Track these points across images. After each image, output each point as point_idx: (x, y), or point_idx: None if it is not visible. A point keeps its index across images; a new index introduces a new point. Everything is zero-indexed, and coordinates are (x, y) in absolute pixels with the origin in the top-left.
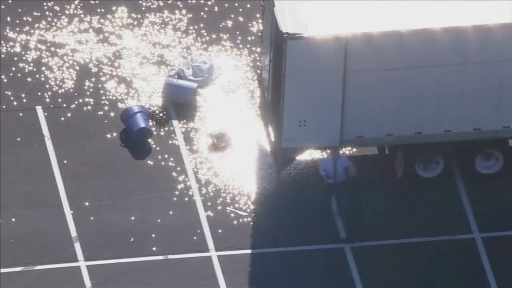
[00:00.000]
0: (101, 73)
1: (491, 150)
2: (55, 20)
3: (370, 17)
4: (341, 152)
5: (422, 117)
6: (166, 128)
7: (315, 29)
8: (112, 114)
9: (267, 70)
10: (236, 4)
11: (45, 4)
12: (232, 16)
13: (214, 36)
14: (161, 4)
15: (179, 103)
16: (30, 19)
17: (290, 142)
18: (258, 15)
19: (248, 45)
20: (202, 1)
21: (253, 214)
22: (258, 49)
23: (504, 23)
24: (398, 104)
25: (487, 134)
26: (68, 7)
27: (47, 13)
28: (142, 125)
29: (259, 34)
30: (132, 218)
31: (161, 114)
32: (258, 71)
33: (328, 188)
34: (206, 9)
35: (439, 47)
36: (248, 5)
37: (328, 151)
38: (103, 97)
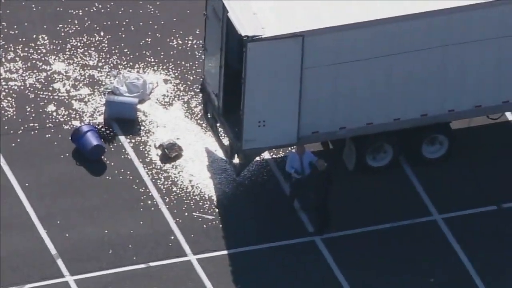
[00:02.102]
0: (38, 98)
1: (437, 134)
2: None
3: (321, 14)
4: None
5: (372, 108)
6: (115, 144)
7: (272, 30)
8: (59, 135)
9: (215, 77)
10: (150, 22)
11: None
12: (149, 33)
13: (137, 53)
14: (79, 28)
15: (121, 119)
16: None
17: (250, 143)
18: (174, 30)
19: (172, 59)
20: (117, 22)
21: (219, 217)
22: (184, 62)
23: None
24: (350, 97)
25: (433, 119)
26: None
27: None
28: (96, 142)
29: (201, 44)
30: (106, 231)
31: (107, 131)
32: (201, 80)
33: (296, 184)
34: (122, 29)
35: (385, 38)
36: (162, 22)
37: (294, 148)
38: (47, 121)
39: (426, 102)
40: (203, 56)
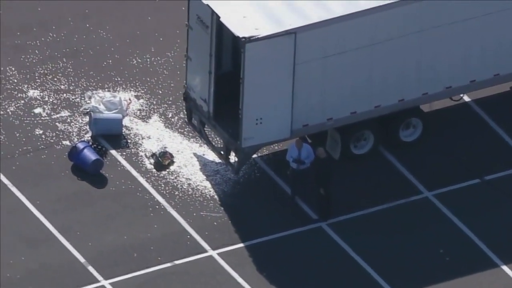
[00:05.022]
0: (24, 124)
1: (412, 118)
2: None
3: (304, 11)
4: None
5: (356, 97)
6: (109, 158)
7: (265, 30)
8: (54, 155)
9: (203, 84)
10: (106, 45)
11: None
12: (108, 55)
13: (102, 74)
14: (41, 57)
15: (108, 135)
16: None
17: (249, 141)
18: (130, 50)
19: (137, 77)
20: (75, 48)
21: (226, 214)
22: (149, 78)
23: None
24: (336, 88)
25: (409, 103)
26: None
27: None
28: (95, 157)
29: (184, 54)
30: (125, 237)
31: (99, 147)
32: (184, 88)
33: (294, 173)
34: (82, 54)
35: (365, 29)
36: (117, 44)
37: (294, 140)
38: (38, 143)
39: (403, 87)
40: (184, 65)
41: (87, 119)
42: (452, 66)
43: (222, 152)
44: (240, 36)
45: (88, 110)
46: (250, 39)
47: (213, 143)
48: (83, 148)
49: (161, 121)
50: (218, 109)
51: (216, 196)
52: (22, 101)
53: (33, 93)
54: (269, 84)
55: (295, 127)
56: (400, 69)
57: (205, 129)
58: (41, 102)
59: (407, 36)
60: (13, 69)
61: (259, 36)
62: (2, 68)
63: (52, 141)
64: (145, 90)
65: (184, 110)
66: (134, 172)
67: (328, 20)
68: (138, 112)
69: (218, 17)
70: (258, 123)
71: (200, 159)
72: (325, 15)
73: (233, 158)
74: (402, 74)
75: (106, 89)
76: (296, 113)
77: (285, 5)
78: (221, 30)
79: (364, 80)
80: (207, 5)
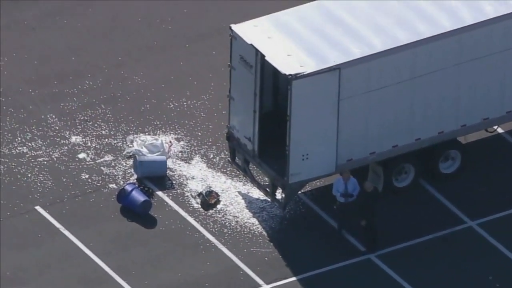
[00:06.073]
0: (69, 169)
1: (451, 150)
2: (7, 133)
3: (346, 47)
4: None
5: (397, 130)
6: (156, 199)
7: (310, 66)
8: (102, 198)
9: (247, 123)
10: (142, 91)
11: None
12: (145, 100)
13: (141, 119)
14: (80, 104)
15: (153, 176)
16: None
17: (295, 177)
18: (166, 95)
19: (175, 120)
20: (112, 94)
21: (275, 249)
22: (187, 121)
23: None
24: (379, 122)
25: (448, 135)
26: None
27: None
28: (144, 198)
29: (227, 95)
30: (179, 274)
31: (145, 189)
32: (227, 129)
33: (341, 207)
34: (119, 100)
35: (407, 63)
36: (153, 89)
37: (340, 174)
38: (85, 187)
39: (442, 120)
40: (228, 105)
41: (130, 162)
42: (489, 98)
43: (268, 189)
44: (287, 73)
45: (131, 154)
46: (296, 76)
47: (258, 181)
48: (131, 190)
49: (203, 162)
50: (262, 147)
51: (264, 232)
52: (66, 147)
53: (75, 139)
54: (315, 120)
55: (339, 162)
56: (439, 102)
57: (249, 167)
58: (84, 148)
59: (446, 69)
60: (53, 116)
61: (305, 73)
62: (43, 116)
63: (98, 184)
64: (184, 132)
65: (226, 150)
66: (182, 212)
67: (371, 55)
68: (180, 154)
69: (263, 56)
70: (304, 159)
71: (245, 197)
72: (367, 51)
73: (279, 194)
74: (441, 106)
75: (147, 133)
76: (341, 148)
77: (326, 41)
78: (263, 69)
79: (405, 113)
80: (251, 44)
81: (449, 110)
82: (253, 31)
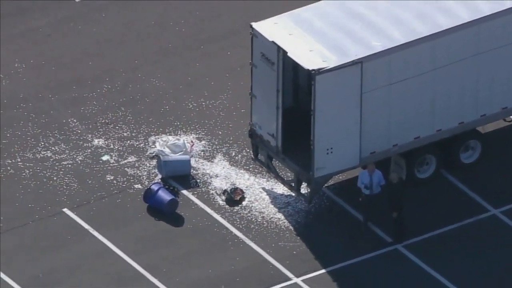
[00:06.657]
0: (94, 171)
1: (472, 140)
2: (30, 138)
3: (366, 40)
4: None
5: (419, 122)
6: (181, 198)
7: (332, 61)
8: (128, 199)
9: (270, 119)
10: (160, 92)
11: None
12: (164, 102)
13: (162, 120)
14: (100, 108)
15: (177, 176)
16: None
17: (321, 171)
18: (184, 96)
19: (195, 120)
20: (131, 97)
21: (303, 243)
22: (207, 121)
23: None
24: (401, 114)
25: (468, 125)
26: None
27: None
28: (170, 197)
29: (249, 93)
30: (210, 271)
31: (171, 188)
32: (250, 126)
33: (366, 199)
34: (139, 102)
35: (428, 54)
36: (171, 91)
37: (366, 167)
38: (111, 189)
39: (462, 110)
40: (250, 103)
41: (154, 162)
42: (508, 87)
43: (292, 184)
44: (310, 69)
45: (154, 154)
46: (319, 71)
47: (282, 176)
48: (158, 190)
49: (225, 160)
50: (285, 143)
51: (290, 227)
52: (89, 150)
53: (98, 142)
54: (338, 114)
55: (363, 154)
56: (459, 92)
57: (273, 163)
58: (107, 150)
59: (466, 60)
60: (75, 120)
61: (327, 68)
62: (64, 121)
63: (124, 185)
64: (205, 132)
65: (247, 148)
66: (208, 209)
67: (392, 48)
68: (202, 153)
69: (285, 52)
70: (328, 153)
71: (269, 193)
72: (387, 44)
73: (304, 189)
74: (461, 97)
75: (168, 134)
76: (364, 141)
77: (346, 35)
78: (284, 66)
79: (426, 105)
80: (273, 41)
81: (469, 100)
82: (274, 29)
